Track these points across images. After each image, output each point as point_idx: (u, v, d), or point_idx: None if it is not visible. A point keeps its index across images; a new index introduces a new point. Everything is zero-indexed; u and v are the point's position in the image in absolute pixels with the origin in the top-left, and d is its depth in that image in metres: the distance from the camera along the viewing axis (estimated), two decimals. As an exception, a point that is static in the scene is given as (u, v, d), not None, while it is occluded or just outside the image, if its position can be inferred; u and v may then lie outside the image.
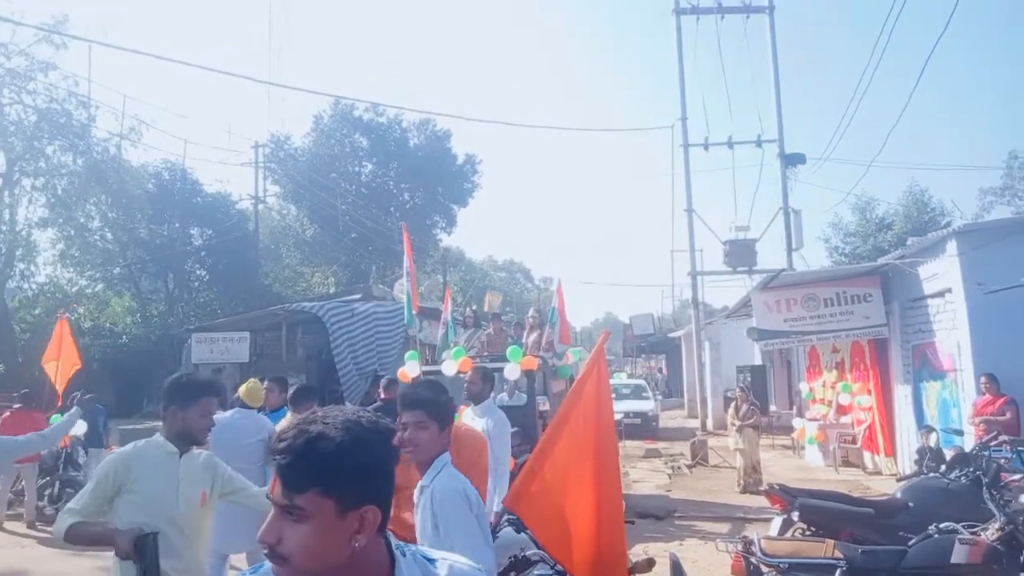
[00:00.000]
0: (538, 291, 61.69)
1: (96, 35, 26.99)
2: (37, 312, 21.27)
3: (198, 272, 27.31)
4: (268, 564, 1.31)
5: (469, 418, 5.51)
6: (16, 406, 10.40)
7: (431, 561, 1.41)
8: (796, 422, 14.31)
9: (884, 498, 6.21)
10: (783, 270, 14.24)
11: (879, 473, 11.49)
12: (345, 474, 1.25)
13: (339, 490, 1.25)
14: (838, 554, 4.56)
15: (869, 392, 12.00)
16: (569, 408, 3.22)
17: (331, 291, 25.63)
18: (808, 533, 5.61)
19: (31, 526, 9.84)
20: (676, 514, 9.18)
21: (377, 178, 32.99)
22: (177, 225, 26.34)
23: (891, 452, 11.49)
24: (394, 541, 1.38)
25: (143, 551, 2.71)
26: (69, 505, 2.95)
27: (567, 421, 3.19)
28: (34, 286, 22.98)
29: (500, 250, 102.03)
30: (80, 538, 2.90)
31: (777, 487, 6.09)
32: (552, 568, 3.46)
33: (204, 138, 40.77)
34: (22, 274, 22.52)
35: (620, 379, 24.64)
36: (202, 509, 3.12)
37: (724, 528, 8.23)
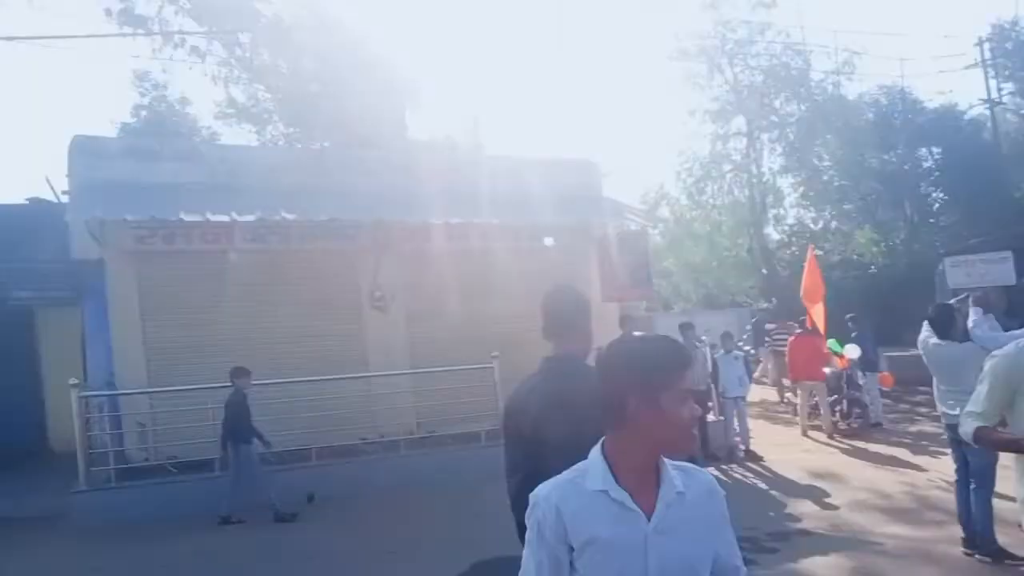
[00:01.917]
0: None
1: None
2: (792, 251, 23.75)
3: (934, 195, 25.77)
4: None
5: None
6: (798, 331, 12.08)
7: None
8: None
9: None
10: None
11: None
12: None
13: None
14: None
15: None
16: None
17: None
18: None
19: (830, 436, 11.17)
20: None
21: None
22: (901, 150, 25.35)
23: None
24: None
25: None
26: (969, 408, 3.11)
27: None
28: (785, 227, 25.82)
29: None
30: (986, 441, 3.04)
31: None
32: None
33: (919, 52, 37.81)
34: (775, 218, 25.51)
35: None
36: None
37: None
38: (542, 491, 1.68)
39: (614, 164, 39.40)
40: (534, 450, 2.30)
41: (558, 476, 1.71)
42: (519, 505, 2.14)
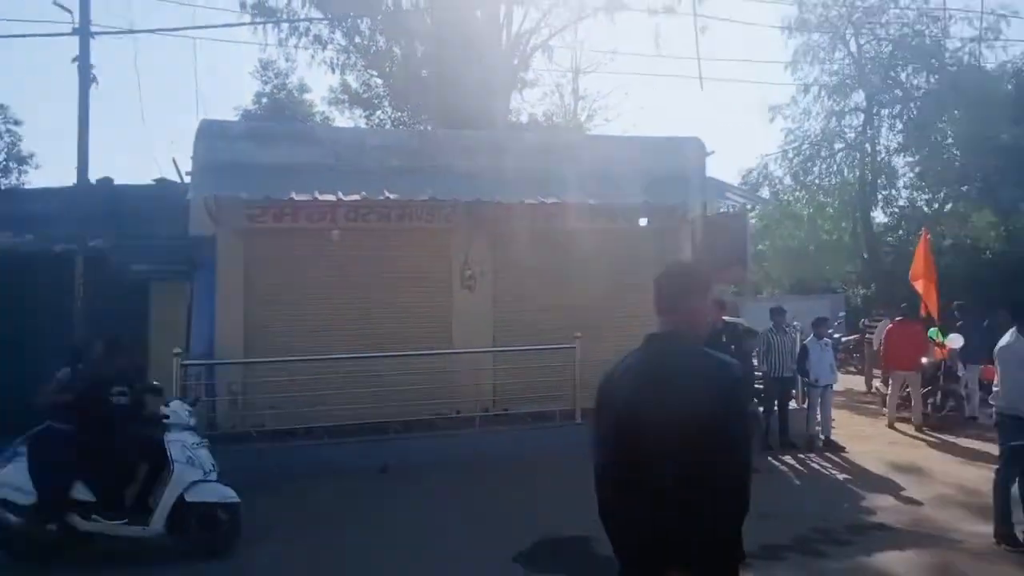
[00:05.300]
0: None
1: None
2: (899, 234, 22.27)
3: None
4: None
5: None
6: (898, 318, 11.49)
7: None
8: None
9: None
10: None
11: None
12: None
13: None
14: None
15: None
16: None
17: None
18: None
19: (918, 429, 10.62)
20: None
21: None
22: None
23: None
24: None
25: None
26: None
27: None
28: (895, 209, 24.23)
29: None
30: None
31: None
32: None
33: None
34: (885, 200, 23.98)
35: None
36: None
37: None
38: None
39: (717, 143, 38.30)
40: (625, 428, 2.17)
41: None
42: (603, 484, 2.20)
